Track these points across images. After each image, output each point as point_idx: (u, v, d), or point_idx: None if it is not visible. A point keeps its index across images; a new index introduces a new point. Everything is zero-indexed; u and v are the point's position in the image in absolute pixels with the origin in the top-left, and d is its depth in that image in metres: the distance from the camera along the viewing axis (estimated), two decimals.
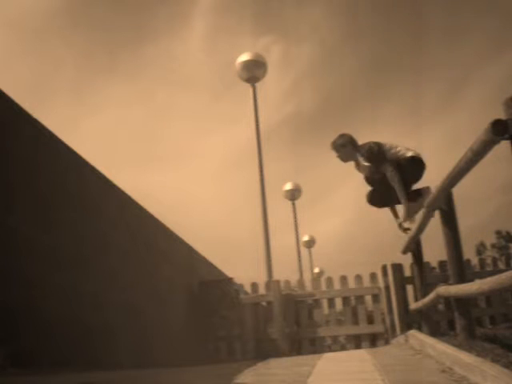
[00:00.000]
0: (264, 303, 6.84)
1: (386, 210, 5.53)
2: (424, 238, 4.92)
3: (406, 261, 6.13)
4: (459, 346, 3.01)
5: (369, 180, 5.46)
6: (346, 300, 6.67)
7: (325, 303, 6.78)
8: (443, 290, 3.72)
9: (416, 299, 5.47)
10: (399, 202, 5.38)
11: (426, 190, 5.39)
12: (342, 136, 5.30)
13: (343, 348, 6.69)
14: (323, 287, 6.74)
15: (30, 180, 3.17)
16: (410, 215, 5.23)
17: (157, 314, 5.15)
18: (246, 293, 6.96)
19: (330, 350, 6.57)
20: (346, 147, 5.19)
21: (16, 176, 3.04)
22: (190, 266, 7.07)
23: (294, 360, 4.23)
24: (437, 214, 3.83)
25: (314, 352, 5.95)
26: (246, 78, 11.31)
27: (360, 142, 5.32)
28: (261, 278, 8.74)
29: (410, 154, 5.34)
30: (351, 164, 5.38)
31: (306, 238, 24.08)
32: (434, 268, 6.58)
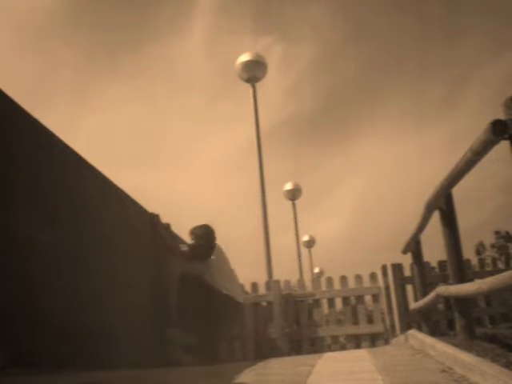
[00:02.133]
0: (264, 303, 6.84)
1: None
2: (424, 238, 4.93)
3: (406, 261, 6.14)
4: (459, 346, 3.01)
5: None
6: (345, 300, 6.67)
7: (325, 303, 6.77)
8: (443, 289, 3.72)
9: (416, 299, 5.48)
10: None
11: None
12: (202, 227, 5.43)
13: (343, 348, 6.69)
14: (323, 287, 6.74)
15: (30, 179, 3.17)
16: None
17: (157, 314, 5.15)
18: (246, 293, 6.96)
19: (330, 350, 6.56)
20: (197, 238, 5.26)
21: (16, 176, 3.04)
22: None
23: (294, 360, 4.24)
24: (437, 213, 3.83)
25: (314, 352, 5.95)
26: (246, 78, 11.31)
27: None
28: (261, 278, 8.74)
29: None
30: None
31: (306, 237, 24.08)
32: (433, 268, 6.58)
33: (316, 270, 27.28)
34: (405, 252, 5.39)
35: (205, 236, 5.37)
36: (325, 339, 6.79)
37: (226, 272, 5.25)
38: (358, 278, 6.67)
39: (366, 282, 6.63)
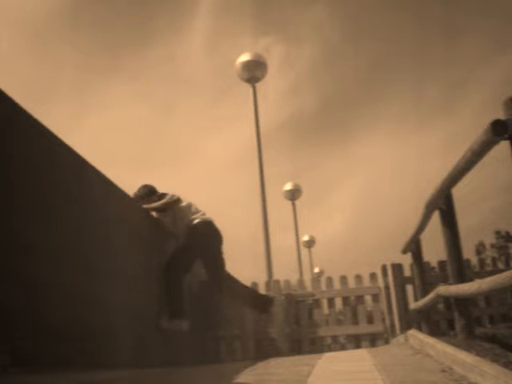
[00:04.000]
0: None
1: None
2: (424, 238, 4.93)
3: (406, 261, 6.15)
4: (459, 346, 3.02)
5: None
6: (345, 300, 6.68)
7: (325, 303, 6.78)
8: (443, 289, 3.73)
9: (416, 299, 5.48)
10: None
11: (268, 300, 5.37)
12: (143, 187, 5.34)
13: (343, 348, 6.70)
14: (323, 287, 6.74)
15: (30, 179, 3.18)
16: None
17: (157, 313, 5.15)
18: None
19: (330, 350, 6.57)
20: (143, 200, 5.22)
21: (16, 176, 3.04)
22: None
23: (294, 360, 4.24)
24: (437, 213, 3.83)
25: (314, 352, 5.95)
26: (246, 78, 11.33)
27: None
28: (261, 278, 8.75)
29: (196, 220, 5.18)
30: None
31: (306, 237, 24.12)
32: (433, 268, 6.59)
33: (316, 270, 27.33)
34: (405, 252, 5.40)
35: (147, 193, 5.37)
36: (325, 339, 6.80)
37: (184, 208, 5.32)
38: (358, 278, 6.67)
39: (366, 282, 6.64)
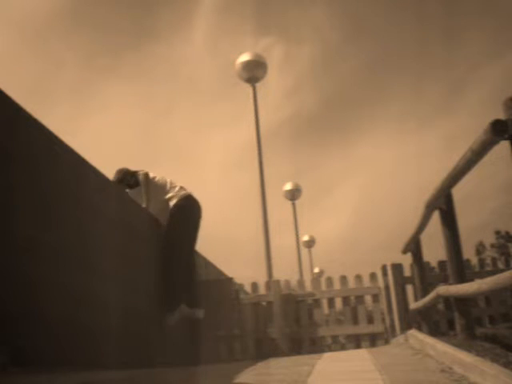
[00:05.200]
0: (264, 303, 6.84)
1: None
2: (424, 238, 4.93)
3: (406, 261, 6.15)
4: (459, 346, 3.02)
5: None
6: (345, 300, 6.68)
7: (325, 303, 6.78)
8: (443, 289, 3.73)
9: (416, 299, 5.48)
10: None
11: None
12: (118, 172, 5.28)
13: (343, 348, 6.70)
14: (323, 287, 6.74)
15: (30, 179, 3.17)
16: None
17: (158, 314, 5.15)
18: (246, 293, 6.96)
19: (330, 350, 6.57)
20: (121, 183, 5.19)
21: (16, 176, 3.04)
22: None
23: (294, 360, 4.24)
24: (437, 213, 3.83)
25: (314, 352, 5.95)
26: (246, 78, 11.33)
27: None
28: (261, 278, 8.76)
29: (177, 197, 5.16)
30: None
31: (306, 237, 24.12)
32: (433, 268, 6.59)
33: (316, 270, 27.33)
34: (405, 252, 5.40)
35: (122, 177, 5.33)
36: (325, 339, 6.80)
37: (160, 184, 5.32)
38: (358, 278, 6.67)
39: (366, 282, 6.64)
